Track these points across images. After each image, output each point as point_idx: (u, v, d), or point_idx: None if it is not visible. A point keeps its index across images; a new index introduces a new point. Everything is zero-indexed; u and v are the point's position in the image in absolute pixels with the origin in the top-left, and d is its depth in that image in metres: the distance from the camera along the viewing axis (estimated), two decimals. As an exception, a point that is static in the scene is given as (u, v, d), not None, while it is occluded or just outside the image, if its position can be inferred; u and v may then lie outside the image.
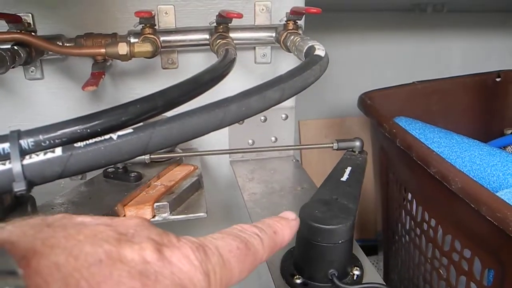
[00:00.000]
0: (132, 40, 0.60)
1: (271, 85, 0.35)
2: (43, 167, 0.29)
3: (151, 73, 0.68)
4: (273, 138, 0.75)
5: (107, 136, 0.31)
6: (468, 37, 1.19)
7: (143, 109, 0.34)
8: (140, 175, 0.56)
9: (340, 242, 0.42)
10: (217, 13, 0.59)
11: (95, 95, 0.68)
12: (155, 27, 0.59)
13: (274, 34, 0.64)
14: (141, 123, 0.32)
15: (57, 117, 0.68)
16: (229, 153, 0.74)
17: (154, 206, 0.51)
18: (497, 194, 0.56)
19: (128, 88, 0.68)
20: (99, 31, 0.61)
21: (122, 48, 0.53)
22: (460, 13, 1.15)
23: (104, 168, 0.57)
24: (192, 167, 0.61)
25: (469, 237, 0.60)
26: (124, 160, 0.31)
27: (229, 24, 0.61)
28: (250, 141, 0.74)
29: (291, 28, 0.60)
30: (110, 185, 0.55)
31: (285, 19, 0.61)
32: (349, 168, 0.53)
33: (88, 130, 0.32)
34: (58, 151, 0.30)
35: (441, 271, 0.68)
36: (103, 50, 0.54)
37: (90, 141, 0.30)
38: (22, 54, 0.53)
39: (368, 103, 0.83)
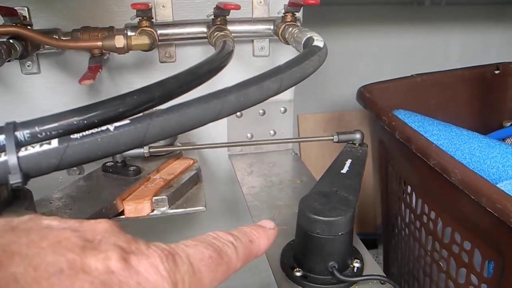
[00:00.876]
0: (129, 33, 0.59)
1: (270, 76, 0.35)
2: (39, 159, 0.29)
3: (149, 67, 0.68)
4: (272, 132, 0.75)
5: (104, 128, 0.30)
6: (466, 30, 1.19)
7: (140, 100, 0.33)
8: (139, 169, 0.55)
9: (340, 234, 0.42)
10: (215, 6, 0.59)
11: (92, 89, 0.67)
12: (152, 20, 0.59)
13: (272, 27, 0.64)
14: (138, 115, 0.32)
15: (55, 111, 0.68)
16: (228, 146, 0.73)
17: (153, 200, 0.51)
18: (497, 185, 0.56)
19: (125, 82, 0.68)
20: (96, 25, 0.61)
21: (119, 41, 0.53)
22: (459, 6, 1.14)
23: (103, 163, 0.57)
24: (191, 161, 0.60)
25: (469, 229, 0.60)
26: (121, 151, 0.31)
27: (227, 17, 0.61)
28: (249, 135, 0.74)
29: (289, 20, 0.59)
30: (109, 179, 0.55)
31: (283, 11, 0.60)
32: (349, 161, 0.53)
33: (85, 122, 0.31)
34: (54, 142, 0.29)
35: (441, 263, 0.68)
36: (100, 43, 0.54)
37: (87, 132, 0.30)
38: (18, 48, 0.52)
39: (367, 96, 0.82)
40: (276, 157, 0.73)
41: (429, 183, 0.67)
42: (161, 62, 0.67)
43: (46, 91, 0.66)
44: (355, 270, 0.45)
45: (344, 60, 1.10)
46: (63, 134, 0.31)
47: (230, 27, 0.61)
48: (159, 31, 0.60)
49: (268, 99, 0.35)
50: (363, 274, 0.45)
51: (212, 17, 0.61)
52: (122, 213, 0.51)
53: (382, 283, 0.45)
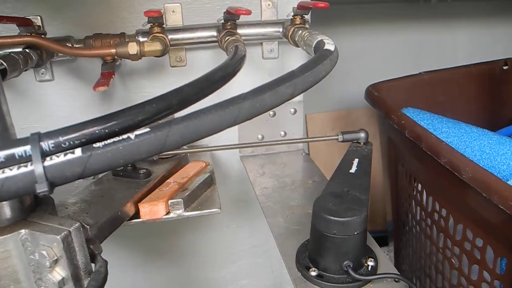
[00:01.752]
0: (141, 39, 0.60)
1: (284, 81, 0.35)
2: (64, 168, 0.30)
3: (160, 71, 0.69)
4: (282, 133, 0.75)
5: (125, 136, 0.31)
6: (474, 26, 1.18)
7: (159, 108, 0.34)
8: (149, 172, 0.57)
9: (355, 233, 0.43)
10: (225, 10, 0.59)
11: (105, 94, 0.68)
12: (163, 25, 0.60)
13: (281, 29, 0.65)
14: (158, 122, 0.33)
15: (68, 117, 0.69)
16: (238, 147, 0.74)
17: (169, 203, 0.52)
18: (508, 182, 0.56)
19: (137, 87, 0.69)
20: (107, 31, 0.62)
21: (132, 48, 0.54)
22: (465, 2, 1.14)
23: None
24: (204, 164, 0.61)
25: (481, 226, 0.60)
26: (142, 158, 0.32)
27: (237, 21, 0.61)
28: (260, 136, 0.75)
29: (298, 22, 0.60)
30: (120, 182, 0.56)
31: (292, 13, 0.61)
32: (356, 160, 0.53)
33: (106, 130, 0.32)
34: (78, 152, 0.30)
35: (453, 260, 0.68)
36: (113, 51, 0.55)
37: (109, 141, 0.31)
38: (33, 57, 0.54)
39: (376, 95, 0.83)
40: (287, 158, 0.73)
41: (440, 181, 0.67)
42: (172, 67, 0.68)
43: (59, 97, 0.67)
44: (369, 269, 0.46)
45: (351, 58, 1.10)
46: (86, 143, 0.31)
47: (240, 30, 0.62)
48: (170, 36, 0.61)
49: (283, 103, 0.36)
50: (377, 273, 0.46)
51: (222, 21, 0.61)
52: (137, 215, 0.52)
53: (396, 281, 0.45)
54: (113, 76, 0.59)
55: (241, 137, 0.74)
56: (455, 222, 0.66)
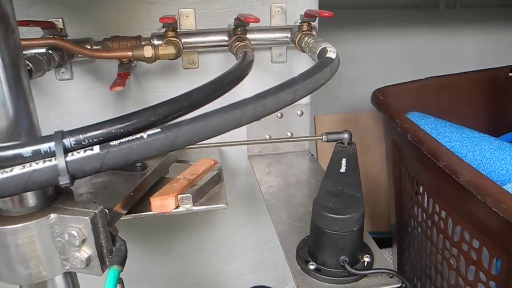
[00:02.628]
0: (156, 42, 0.64)
1: (284, 87, 0.38)
2: (83, 163, 0.33)
3: (173, 73, 0.72)
4: (289, 134, 0.78)
5: (138, 135, 0.34)
6: (481, 32, 1.20)
7: (170, 110, 0.37)
8: (145, 165, 0.60)
9: (355, 229, 0.45)
10: (236, 16, 0.62)
11: (120, 94, 0.72)
12: (177, 30, 0.63)
13: (289, 35, 0.67)
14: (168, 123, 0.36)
15: (85, 115, 0.73)
16: (246, 144, 0.77)
17: (178, 197, 0.55)
18: (504, 186, 0.58)
19: (151, 87, 0.72)
20: (124, 34, 0.65)
21: (148, 51, 0.57)
22: (473, 8, 1.16)
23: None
24: (213, 161, 0.64)
25: (477, 228, 0.62)
26: (153, 156, 0.35)
27: (247, 26, 0.64)
28: (267, 136, 0.77)
29: (305, 29, 0.63)
30: (118, 175, 0.59)
31: (299, 20, 0.64)
32: (344, 160, 0.56)
33: (122, 130, 0.36)
34: (96, 148, 0.34)
35: (451, 261, 0.70)
36: (130, 53, 0.58)
37: (124, 139, 0.34)
38: (56, 58, 0.57)
39: (381, 99, 0.85)
40: (293, 158, 0.76)
41: (440, 184, 0.69)
42: (185, 69, 0.71)
43: (78, 96, 0.71)
44: (365, 264, 0.48)
45: (360, 62, 1.13)
46: (103, 141, 0.35)
47: (250, 35, 0.65)
48: (183, 40, 0.64)
49: (284, 108, 0.39)
50: (372, 268, 0.49)
51: (233, 26, 0.64)
52: (148, 208, 0.55)
53: (390, 277, 0.48)
54: (129, 76, 0.63)
55: (249, 135, 0.76)
56: (454, 224, 0.68)
